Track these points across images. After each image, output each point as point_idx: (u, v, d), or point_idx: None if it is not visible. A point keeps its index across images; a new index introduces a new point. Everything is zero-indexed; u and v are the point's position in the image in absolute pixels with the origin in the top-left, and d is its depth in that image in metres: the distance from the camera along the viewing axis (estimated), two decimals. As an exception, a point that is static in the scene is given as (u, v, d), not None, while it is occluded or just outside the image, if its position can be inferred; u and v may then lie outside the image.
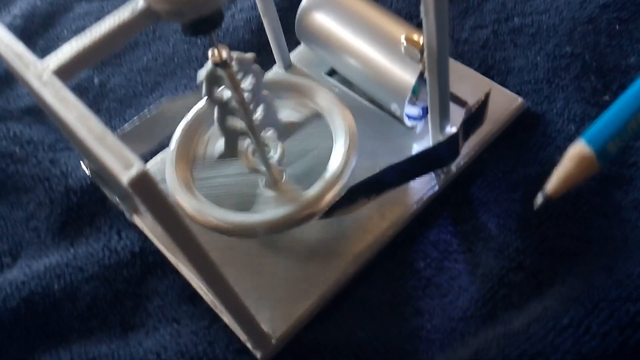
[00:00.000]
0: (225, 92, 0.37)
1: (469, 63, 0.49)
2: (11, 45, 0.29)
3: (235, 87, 0.35)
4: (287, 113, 0.42)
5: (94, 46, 0.29)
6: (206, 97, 0.37)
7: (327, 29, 0.46)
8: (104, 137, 0.24)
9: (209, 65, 0.35)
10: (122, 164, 0.23)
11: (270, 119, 0.39)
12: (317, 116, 0.42)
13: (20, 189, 0.50)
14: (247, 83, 0.36)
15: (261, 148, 0.39)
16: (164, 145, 0.46)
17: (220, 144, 0.40)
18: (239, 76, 0.36)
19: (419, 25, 0.37)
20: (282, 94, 0.43)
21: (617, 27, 0.48)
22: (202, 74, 0.35)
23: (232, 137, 0.40)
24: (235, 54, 0.35)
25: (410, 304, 0.39)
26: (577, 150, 0.31)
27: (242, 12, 0.58)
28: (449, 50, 0.34)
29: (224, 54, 0.34)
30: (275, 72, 0.51)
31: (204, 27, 0.31)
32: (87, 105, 0.26)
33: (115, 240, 0.45)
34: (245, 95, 0.36)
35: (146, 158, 0.48)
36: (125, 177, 0.23)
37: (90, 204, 0.48)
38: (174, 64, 0.57)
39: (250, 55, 0.36)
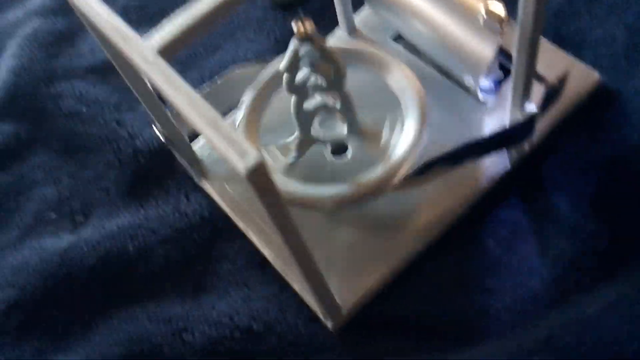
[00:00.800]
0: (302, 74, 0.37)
1: (543, 32, 0.48)
2: (113, 22, 0.29)
3: (327, 54, 0.35)
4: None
5: (197, 24, 0.29)
6: (287, 88, 0.37)
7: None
8: (217, 123, 0.25)
9: (293, 43, 0.35)
10: (238, 152, 0.23)
11: (346, 113, 0.39)
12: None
13: (88, 148, 0.51)
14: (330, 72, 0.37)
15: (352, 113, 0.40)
16: (232, 108, 0.47)
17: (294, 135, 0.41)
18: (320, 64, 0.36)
19: None
20: (355, 64, 0.43)
21: None
22: (284, 64, 0.36)
23: (306, 122, 0.40)
24: (321, 38, 0.35)
25: (479, 282, 0.39)
26: None
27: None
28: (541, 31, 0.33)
29: (309, 28, 0.34)
30: (339, 35, 0.51)
31: (294, 1, 0.30)
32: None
33: (184, 204, 0.46)
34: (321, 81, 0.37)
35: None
36: (242, 166, 0.23)
37: (157, 166, 0.49)
38: (233, 25, 0.56)
39: (335, 48, 0.36)
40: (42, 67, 0.56)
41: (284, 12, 0.33)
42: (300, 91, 0.39)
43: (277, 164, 0.42)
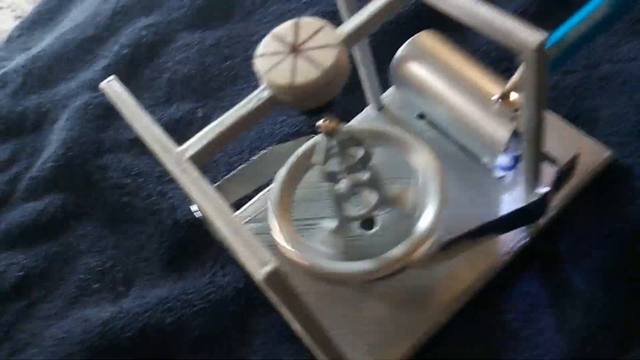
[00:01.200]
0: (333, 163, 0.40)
1: (558, 109, 0.50)
2: (151, 130, 0.32)
3: (354, 139, 0.38)
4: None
5: (225, 133, 0.32)
6: (325, 179, 0.41)
7: (422, 79, 0.48)
8: (240, 232, 0.27)
9: (322, 139, 0.38)
10: (257, 260, 0.26)
11: (375, 185, 0.42)
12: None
13: (132, 219, 0.54)
14: (358, 154, 0.40)
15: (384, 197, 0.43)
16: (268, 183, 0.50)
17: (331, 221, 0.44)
18: (348, 148, 0.39)
19: (506, 71, 0.38)
20: (379, 143, 0.46)
21: None
22: (318, 159, 0.39)
23: (342, 202, 0.43)
24: (347, 127, 0.38)
25: (499, 355, 0.41)
26: None
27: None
28: (545, 131, 0.36)
29: (334, 125, 0.37)
30: (368, 113, 0.54)
31: (321, 110, 0.34)
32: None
33: (220, 275, 0.49)
34: (352, 161, 0.39)
35: (250, 196, 0.52)
36: (259, 273, 0.26)
37: (196, 238, 0.52)
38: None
39: (361, 132, 0.38)
40: (90, 140, 0.61)
41: (312, 116, 0.36)
42: (334, 178, 0.42)
43: (310, 241, 0.45)
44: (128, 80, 0.65)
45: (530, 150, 0.37)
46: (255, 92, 0.33)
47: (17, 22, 0.83)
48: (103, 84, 0.36)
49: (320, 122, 0.38)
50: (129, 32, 0.69)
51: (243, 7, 0.68)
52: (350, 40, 0.33)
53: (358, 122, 0.53)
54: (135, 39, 0.68)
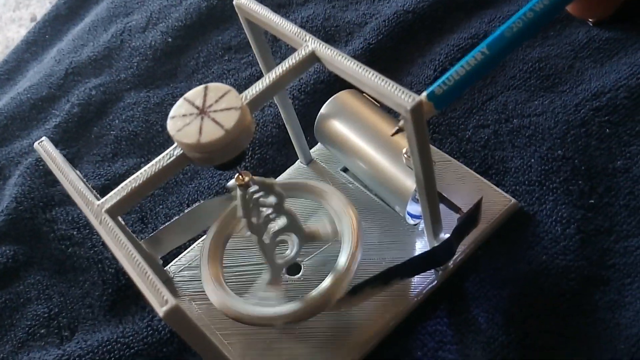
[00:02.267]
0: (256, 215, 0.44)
1: (470, 162, 0.55)
2: (75, 185, 0.36)
3: (264, 186, 0.42)
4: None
5: (140, 188, 0.36)
6: (249, 230, 0.44)
7: (341, 135, 0.52)
8: (146, 275, 0.31)
9: (239, 193, 0.42)
10: (159, 300, 0.30)
11: (293, 227, 0.46)
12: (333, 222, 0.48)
13: (77, 269, 0.58)
14: (269, 200, 0.43)
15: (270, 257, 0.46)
16: (201, 234, 0.54)
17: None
18: (261, 195, 0.43)
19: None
20: (299, 195, 0.50)
21: (608, 130, 0.53)
22: (239, 212, 0.43)
23: (270, 252, 0.46)
24: (257, 178, 0.42)
25: (409, 389, 0.44)
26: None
27: (270, 107, 0.65)
28: (434, 181, 0.40)
29: (246, 178, 0.41)
30: (297, 166, 0.58)
31: (230, 166, 0.37)
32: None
33: (157, 319, 0.52)
34: (270, 210, 0.43)
35: (187, 245, 0.55)
36: (161, 311, 0.29)
37: (136, 285, 0.55)
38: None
39: (270, 181, 0.42)
40: (40, 195, 0.64)
41: (224, 171, 0.40)
42: (259, 230, 0.45)
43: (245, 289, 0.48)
44: (78, 137, 0.69)
45: (425, 198, 0.41)
46: (168, 150, 0.36)
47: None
48: (36, 145, 0.40)
49: (230, 182, 0.42)
50: (80, 92, 0.73)
51: (187, 67, 0.73)
52: (254, 103, 0.38)
53: (288, 175, 0.57)
54: (85, 98, 0.72)
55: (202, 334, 0.32)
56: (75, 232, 0.60)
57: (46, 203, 0.63)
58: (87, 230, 0.60)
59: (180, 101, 0.37)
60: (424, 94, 0.37)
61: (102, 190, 0.56)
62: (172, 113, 0.36)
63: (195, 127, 0.35)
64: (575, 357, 0.42)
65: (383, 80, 0.36)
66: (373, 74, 0.36)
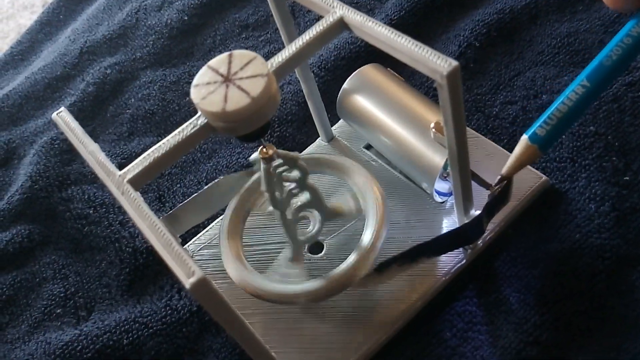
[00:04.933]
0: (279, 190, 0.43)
1: (498, 139, 0.53)
2: (96, 156, 0.35)
3: (288, 160, 0.41)
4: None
5: (163, 158, 0.34)
6: (272, 205, 0.43)
7: (365, 110, 0.51)
8: (171, 246, 0.30)
9: (262, 166, 0.40)
10: (185, 271, 0.28)
11: (316, 203, 0.44)
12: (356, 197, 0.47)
13: (94, 248, 0.56)
14: (293, 175, 0.42)
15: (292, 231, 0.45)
16: (220, 213, 0.52)
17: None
18: (285, 169, 0.41)
19: None
20: (323, 170, 0.49)
21: (641, 105, 0.51)
22: (263, 186, 0.42)
23: (293, 228, 0.45)
24: (281, 152, 0.41)
25: (437, 371, 0.43)
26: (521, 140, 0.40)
27: (290, 84, 0.63)
28: (467, 151, 0.38)
29: (270, 151, 0.40)
30: (318, 144, 0.56)
31: (254, 137, 0.36)
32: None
33: (175, 299, 0.51)
34: (293, 185, 0.42)
35: (205, 224, 0.54)
36: (187, 282, 0.28)
37: (154, 264, 0.54)
38: (229, 131, 0.62)
39: (294, 155, 0.41)
40: (56, 173, 0.63)
41: (248, 142, 0.39)
42: (283, 205, 0.44)
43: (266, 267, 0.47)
44: (93, 116, 0.68)
45: (457, 172, 0.39)
46: (191, 119, 0.35)
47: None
48: (54, 116, 0.38)
49: (253, 156, 0.40)
50: (95, 71, 0.72)
51: (204, 45, 0.71)
52: (279, 71, 0.36)
53: (308, 152, 0.56)
54: (101, 76, 0.71)
55: (229, 308, 0.31)
56: (91, 211, 0.59)
57: (62, 182, 0.62)
58: (104, 209, 0.58)
59: (204, 69, 0.35)
60: (525, 136, 0.35)
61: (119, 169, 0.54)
62: (195, 81, 0.35)
63: (220, 95, 0.34)
64: (611, 338, 0.41)
65: (417, 45, 0.34)
66: (406, 39, 0.34)
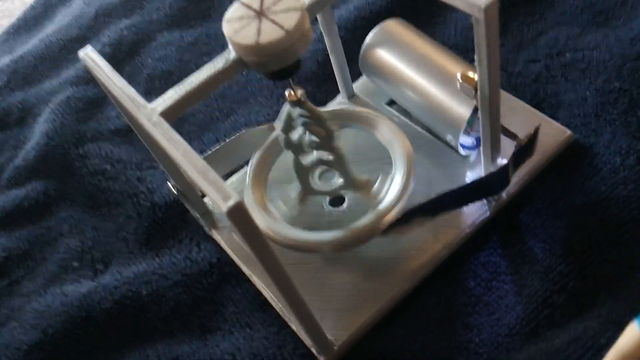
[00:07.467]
0: (297, 134, 0.42)
1: (521, 96, 0.53)
2: (125, 90, 0.34)
3: (315, 116, 0.40)
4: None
5: (194, 91, 0.34)
6: (285, 146, 0.43)
7: (389, 64, 0.50)
8: (207, 173, 0.29)
9: (286, 107, 0.40)
10: (222, 196, 0.28)
11: (340, 168, 0.44)
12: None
13: (111, 203, 0.56)
14: (322, 132, 0.42)
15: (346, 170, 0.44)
16: (242, 166, 0.52)
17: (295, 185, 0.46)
18: (308, 122, 0.41)
19: (473, 60, 0.41)
20: (349, 123, 0.48)
21: (665, 63, 0.51)
22: (280, 126, 0.42)
23: (305, 175, 0.45)
24: (310, 104, 0.41)
25: (460, 320, 0.43)
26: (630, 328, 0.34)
27: (310, 44, 0.63)
28: (500, 92, 0.38)
29: (299, 93, 0.40)
30: (339, 101, 0.56)
31: (284, 74, 0.36)
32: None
33: (195, 252, 0.51)
34: (316, 140, 0.42)
35: (226, 177, 0.53)
36: (224, 206, 0.28)
37: (173, 218, 0.53)
38: (247, 92, 0.62)
39: (322, 112, 0.41)
40: (72, 130, 0.62)
41: (277, 80, 0.38)
42: (297, 148, 0.44)
43: (282, 214, 0.46)
44: (110, 74, 0.67)
45: (487, 119, 0.39)
46: (223, 54, 0.35)
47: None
48: (81, 53, 0.38)
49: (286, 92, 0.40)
50: (111, 32, 0.71)
51: (221, 7, 0.71)
52: (312, 8, 0.36)
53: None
54: (117, 38, 0.70)
55: (261, 235, 0.31)
56: (108, 167, 0.58)
57: (78, 139, 0.62)
58: (122, 165, 0.58)
59: (236, 5, 0.35)
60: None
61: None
62: (227, 16, 0.34)
63: (254, 29, 0.33)
64: (639, 286, 0.40)
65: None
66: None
